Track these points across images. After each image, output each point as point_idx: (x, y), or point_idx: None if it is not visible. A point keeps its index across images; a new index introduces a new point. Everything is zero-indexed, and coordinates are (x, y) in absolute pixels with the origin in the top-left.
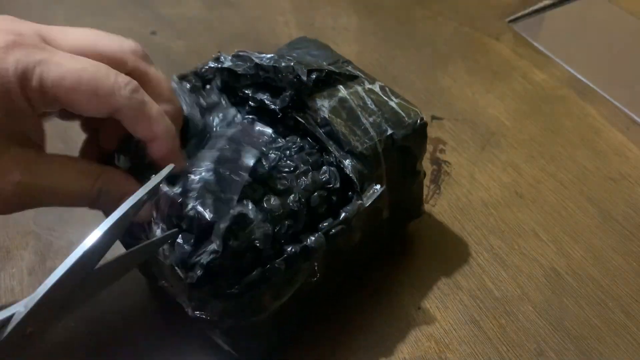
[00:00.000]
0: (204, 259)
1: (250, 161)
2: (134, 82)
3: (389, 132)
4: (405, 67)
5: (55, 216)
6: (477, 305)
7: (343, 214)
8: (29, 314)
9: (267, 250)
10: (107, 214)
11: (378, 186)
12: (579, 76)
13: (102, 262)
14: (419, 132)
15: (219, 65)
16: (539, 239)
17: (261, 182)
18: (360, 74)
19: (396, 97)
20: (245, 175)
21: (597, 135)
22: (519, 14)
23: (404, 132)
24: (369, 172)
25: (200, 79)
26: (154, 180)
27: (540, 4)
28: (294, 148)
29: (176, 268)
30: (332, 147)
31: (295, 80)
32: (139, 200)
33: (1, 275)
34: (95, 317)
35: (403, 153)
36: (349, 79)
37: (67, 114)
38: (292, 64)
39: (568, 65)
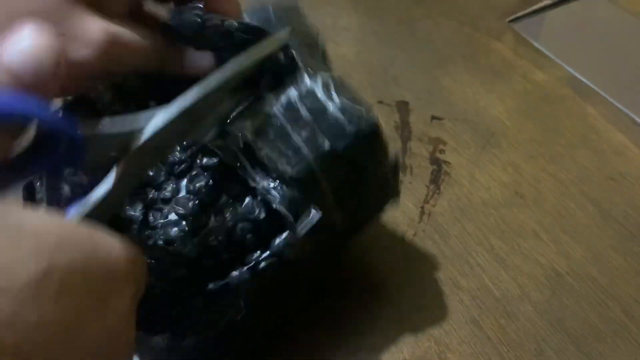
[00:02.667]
0: None
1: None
2: None
3: (327, 146)
4: (405, 67)
5: None
6: (477, 305)
7: (272, 247)
8: (164, 128)
9: (186, 288)
10: None
11: (314, 211)
12: (579, 76)
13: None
14: (366, 138)
15: None
16: (539, 239)
17: (184, 219)
18: (302, 65)
19: (340, 96)
20: None
21: (597, 135)
22: (519, 14)
23: (345, 143)
24: (305, 196)
25: None
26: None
27: (540, 4)
28: (210, 181)
29: None
30: (258, 176)
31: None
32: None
33: None
34: None
35: (352, 164)
36: (286, 75)
37: None
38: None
39: (568, 65)
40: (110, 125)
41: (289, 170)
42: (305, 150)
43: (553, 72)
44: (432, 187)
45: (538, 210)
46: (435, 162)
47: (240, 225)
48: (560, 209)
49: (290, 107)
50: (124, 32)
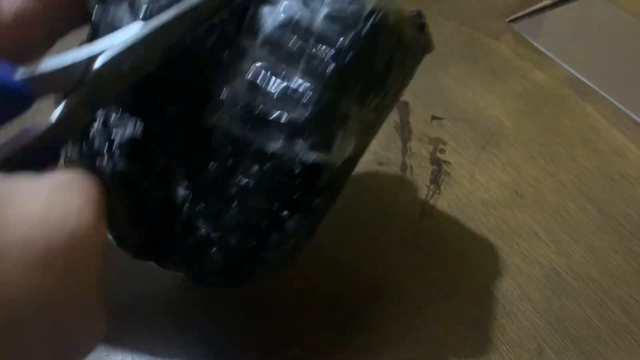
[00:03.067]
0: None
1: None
2: None
3: (331, 70)
4: None
5: None
6: (477, 305)
7: (316, 188)
8: (129, 48)
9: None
10: None
11: (349, 140)
12: (579, 76)
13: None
14: (371, 32)
15: None
16: (539, 239)
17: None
18: None
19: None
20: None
21: (597, 135)
22: (519, 14)
23: (350, 56)
24: (330, 128)
25: None
26: None
27: (540, 4)
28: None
29: None
30: (272, 137)
31: None
32: None
33: None
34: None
35: (368, 65)
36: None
37: None
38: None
39: (568, 65)
40: (56, 61)
41: (300, 119)
42: (309, 87)
43: (553, 72)
44: (432, 187)
45: (538, 210)
46: (435, 162)
47: (277, 179)
48: (560, 209)
49: (273, 44)
50: (31, 7)
